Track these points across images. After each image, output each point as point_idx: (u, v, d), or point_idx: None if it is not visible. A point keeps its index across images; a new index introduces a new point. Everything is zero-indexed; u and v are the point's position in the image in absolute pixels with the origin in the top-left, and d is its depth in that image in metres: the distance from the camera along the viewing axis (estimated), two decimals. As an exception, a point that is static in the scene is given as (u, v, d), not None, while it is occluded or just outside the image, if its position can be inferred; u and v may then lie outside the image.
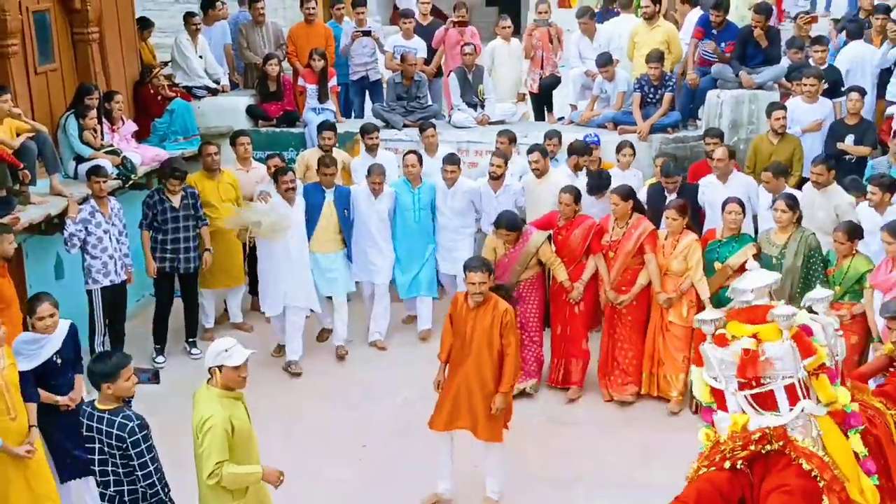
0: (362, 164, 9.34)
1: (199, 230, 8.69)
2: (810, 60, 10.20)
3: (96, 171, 8.11)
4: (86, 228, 7.96)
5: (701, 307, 7.37)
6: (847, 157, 9.17)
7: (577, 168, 9.05)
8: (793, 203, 7.36)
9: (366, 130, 9.61)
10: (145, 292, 9.54)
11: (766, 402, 3.76)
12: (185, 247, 8.61)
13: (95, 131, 8.92)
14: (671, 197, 8.33)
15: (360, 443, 7.41)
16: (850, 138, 9.20)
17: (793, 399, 3.72)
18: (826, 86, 9.71)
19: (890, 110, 9.74)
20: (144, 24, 10.97)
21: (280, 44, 11.46)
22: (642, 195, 8.53)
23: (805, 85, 9.48)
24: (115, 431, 4.86)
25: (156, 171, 9.46)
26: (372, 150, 9.52)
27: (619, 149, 9.26)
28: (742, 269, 7.00)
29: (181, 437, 5.49)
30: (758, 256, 7.15)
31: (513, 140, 9.44)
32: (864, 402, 4.13)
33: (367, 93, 11.83)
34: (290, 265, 8.50)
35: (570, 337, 8.15)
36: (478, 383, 6.38)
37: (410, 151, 9.16)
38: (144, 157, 9.48)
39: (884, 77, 10.36)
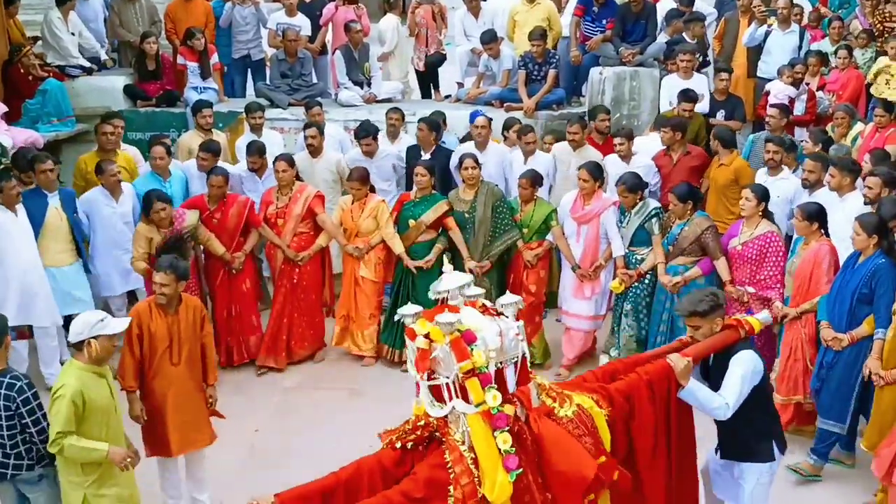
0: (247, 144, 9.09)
1: None
2: (685, 35, 10.50)
3: (-38, 156, 7.70)
4: (-48, 216, 7.50)
5: (389, 263, 8.20)
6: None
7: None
8: (477, 162, 8.13)
9: (250, 109, 9.43)
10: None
11: (438, 394, 4.17)
12: None
13: (-40, 114, 8.51)
14: (425, 156, 8.84)
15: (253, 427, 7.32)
16: (720, 114, 9.63)
17: (451, 395, 4.13)
18: (701, 60, 10.03)
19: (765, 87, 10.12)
20: (10, 0, 10.43)
21: (155, 21, 11.12)
22: None
23: (681, 61, 9.74)
24: (2, 392, 4.90)
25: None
26: (256, 129, 9.35)
27: (506, 126, 9.33)
28: (435, 224, 8.06)
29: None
30: (450, 212, 8.06)
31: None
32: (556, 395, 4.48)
33: (249, 72, 11.61)
34: (21, 278, 7.46)
35: (241, 314, 8.19)
36: (194, 387, 5.91)
37: (158, 143, 8.58)
38: (16, 139, 9.02)
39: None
